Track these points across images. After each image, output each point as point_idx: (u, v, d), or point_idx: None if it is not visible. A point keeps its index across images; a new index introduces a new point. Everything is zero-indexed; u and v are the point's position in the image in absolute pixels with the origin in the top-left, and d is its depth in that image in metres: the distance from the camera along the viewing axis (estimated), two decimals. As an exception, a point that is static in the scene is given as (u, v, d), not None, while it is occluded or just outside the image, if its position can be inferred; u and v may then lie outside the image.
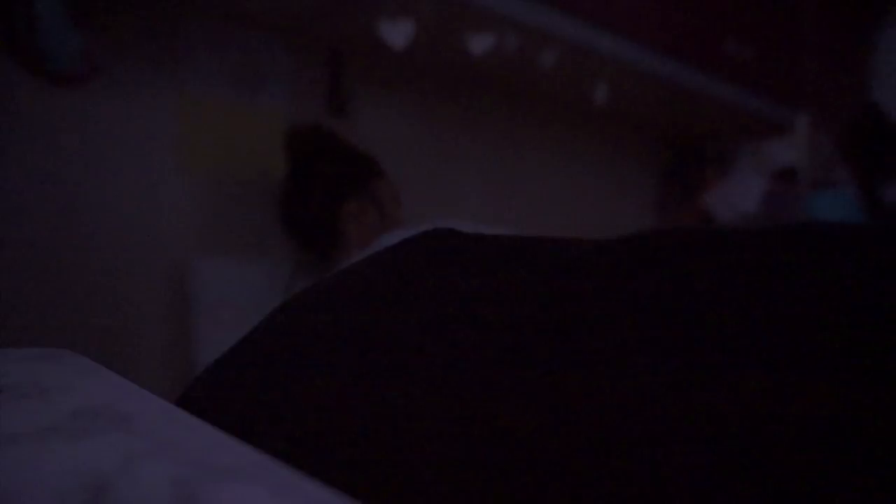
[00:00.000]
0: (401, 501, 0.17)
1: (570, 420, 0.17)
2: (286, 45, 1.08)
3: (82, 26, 0.85)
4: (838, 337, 0.17)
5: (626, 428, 0.17)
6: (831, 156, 1.78)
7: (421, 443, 0.18)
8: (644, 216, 1.82)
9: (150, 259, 0.92)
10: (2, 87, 0.80)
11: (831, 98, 1.80)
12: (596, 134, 1.66)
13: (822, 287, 0.19)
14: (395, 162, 1.23)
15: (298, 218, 1.01)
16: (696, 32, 1.41)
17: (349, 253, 1.00)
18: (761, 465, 0.15)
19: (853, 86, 1.78)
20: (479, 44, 1.09)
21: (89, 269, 0.87)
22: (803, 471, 0.15)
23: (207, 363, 0.90)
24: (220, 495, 0.12)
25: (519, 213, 1.46)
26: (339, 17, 1.03)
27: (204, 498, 0.12)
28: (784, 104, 1.70)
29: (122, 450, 0.15)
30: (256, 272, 1.00)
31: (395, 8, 0.99)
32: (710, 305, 0.20)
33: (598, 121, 1.65)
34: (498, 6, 1.01)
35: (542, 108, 1.51)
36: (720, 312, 0.19)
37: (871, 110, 1.63)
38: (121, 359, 0.89)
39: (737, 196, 1.70)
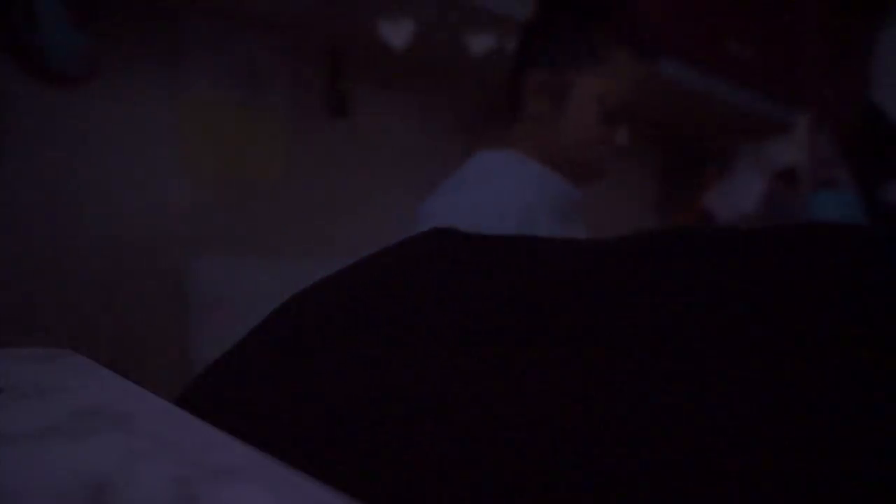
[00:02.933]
0: (405, 502, 0.17)
1: (573, 419, 0.17)
2: (286, 45, 1.08)
3: (82, 26, 0.85)
4: (838, 336, 0.17)
5: (630, 426, 0.17)
6: (831, 156, 1.78)
7: (425, 443, 0.18)
8: (644, 216, 1.82)
9: (150, 258, 0.92)
10: (2, 87, 0.80)
11: (831, 98, 1.80)
12: (596, 134, 1.65)
13: (823, 287, 0.19)
14: (394, 162, 1.23)
15: None
16: (696, 32, 1.41)
17: None
18: (760, 462, 0.15)
19: (853, 86, 1.78)
20: (479, 44, 1.09)
21: (89, 269, 0.87)
22: (815, 471, 0.15)
23: (206, 362, 0.89)
24: (220, 495, 0.12)
25: (519, 213, 1.46)
26: (339, 17, 1.03)
27: (204, 498, 0.12)
28: (784, 104, 1.70)
29: (122, 450, 0.15)
30: (254, 272, 1.00)
31: (394, 8, 0.99)
32: (711, 306, 0.20)
33: (598, 121, 1.65)
34: (498, 6, 1.01)
35: (542, 108, 1.51)
36: (720, 313, 0.19)
37: (872, 110, 1.63)
38: (121, 359, 0.89)
39: (737, 196, 1.70)
